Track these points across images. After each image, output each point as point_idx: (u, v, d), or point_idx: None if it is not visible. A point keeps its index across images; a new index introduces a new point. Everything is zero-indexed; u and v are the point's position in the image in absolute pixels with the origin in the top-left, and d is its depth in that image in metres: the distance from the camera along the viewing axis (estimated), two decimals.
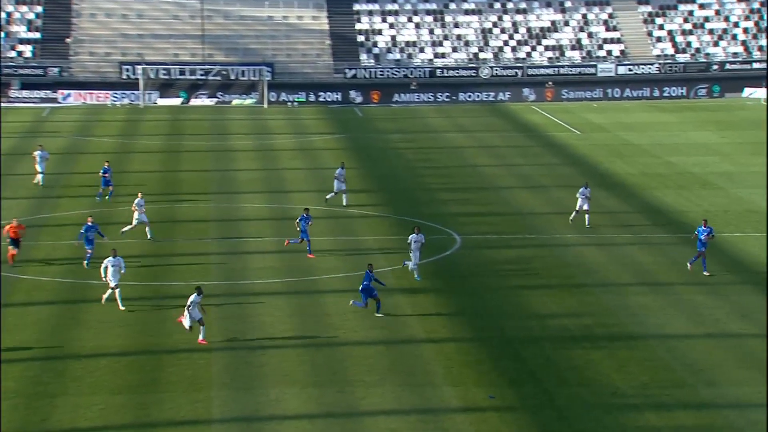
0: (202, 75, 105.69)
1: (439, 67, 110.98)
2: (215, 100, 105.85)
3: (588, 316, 42.55)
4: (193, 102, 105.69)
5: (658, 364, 37.56)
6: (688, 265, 47.53)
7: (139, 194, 53.87)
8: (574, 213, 55.88)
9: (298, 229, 50.02)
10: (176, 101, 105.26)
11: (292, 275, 47.61)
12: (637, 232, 55.65)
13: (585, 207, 55.60)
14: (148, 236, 52.39)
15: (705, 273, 47.30)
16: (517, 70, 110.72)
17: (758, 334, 40.49)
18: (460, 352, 38.50)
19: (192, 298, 38.28)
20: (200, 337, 38.50)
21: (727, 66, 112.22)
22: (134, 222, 52.77)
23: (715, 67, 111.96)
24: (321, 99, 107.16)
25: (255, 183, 68.60)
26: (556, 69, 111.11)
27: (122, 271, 42.46)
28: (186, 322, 38.46)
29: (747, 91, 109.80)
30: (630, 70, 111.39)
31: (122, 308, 41.82)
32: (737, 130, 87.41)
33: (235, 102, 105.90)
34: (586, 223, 55.45)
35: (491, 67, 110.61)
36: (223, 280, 46.76)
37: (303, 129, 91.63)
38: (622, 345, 39.49)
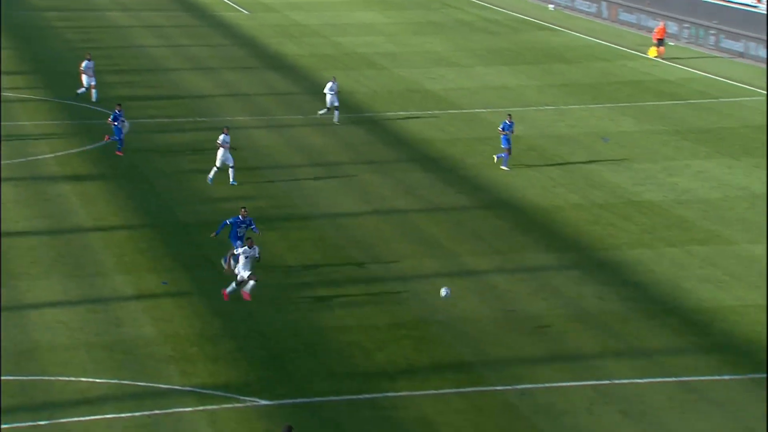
0: None
1: None
2: None
3: (262, 199, 42.83)
4: None
5: (328, 242, 38.39)
6: (495, 158, 47.58)
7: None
8: (325, 110, 54.33)
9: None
10: None
11: None
12: (307, 113, 56.19)
13: (336, 103, 54.07)
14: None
15: (504, 168, 46.69)
16: None
17: (422, 209, 42.03)
18: (131, 240, 38.02)
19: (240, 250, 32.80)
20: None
21: None
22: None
23: None
24: None
25: None
26: None
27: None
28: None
29: None
30: None
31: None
32: (401, 10, 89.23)
33: None
34: (336, 119, 54.14)
35: None
36: None
37: None
38: (295, 226, 40.07)
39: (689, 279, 35.16)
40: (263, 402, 27.24)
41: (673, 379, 28.10)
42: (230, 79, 63.61)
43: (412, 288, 34.36)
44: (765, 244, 38.14)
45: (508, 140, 46.82)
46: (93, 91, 56.01)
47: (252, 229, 34.39)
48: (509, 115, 47.83)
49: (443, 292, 30.61)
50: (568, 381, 28.11)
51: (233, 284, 32.51)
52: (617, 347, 30.25)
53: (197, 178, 44.97)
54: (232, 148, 44.07)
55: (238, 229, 34.25)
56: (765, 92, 61.38)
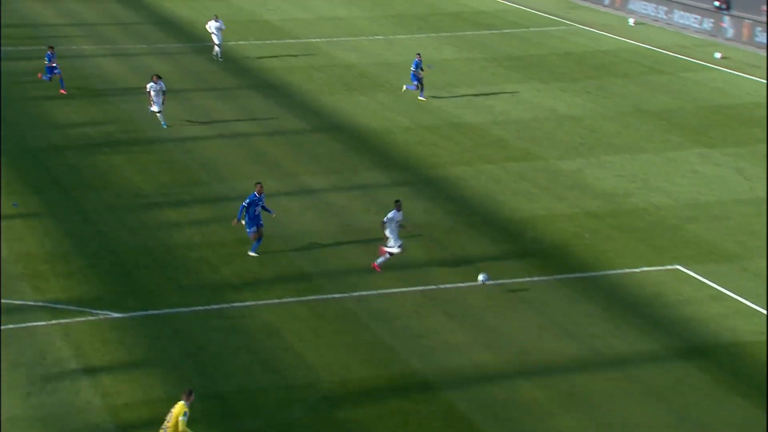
0: None
1: None
2: None
3: (109, 124, 41.65)
4: None
5: (176, 165, 37.56)
6: (404, 87, 46.29)
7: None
8: (216, 49, 52.15)
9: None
10: None
11: None
12: (151, 42, 54.72)
13: (217, 41, 51.54)
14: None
15: (421, 98, 45.52)
16: None
17: (263, 132, 41.47)
18: None
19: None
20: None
21: None
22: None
23: None
24: None
25: None
26: None
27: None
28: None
29: None
30: None
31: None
32: None
33: None
34: (219, 56, 52.04)
35: None
36: None
37: None
38: (143, 149, 39.08)
39: (504, 192, 35.57)
40: (115, 315, 26.58)
41: (496, 282, 28.41)
42: (74, 9, 61.46)
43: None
44: (572, 159, 38.87)
45: (416, 76, 45.34)
46: None
47: (266, 209, 29.85)
48: (418, 54, 46.82)
49: (481, 277, 27.80)
50: (399, 287, 28.21)
51: (385, 256, 28.84)
52: (442, 256, 30.45)
53: (44, 104, 43.41)
54: (163, 92, 41.10)
55: (256, 208, 29.46)
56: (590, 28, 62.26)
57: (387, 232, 28.87)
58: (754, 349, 25.11)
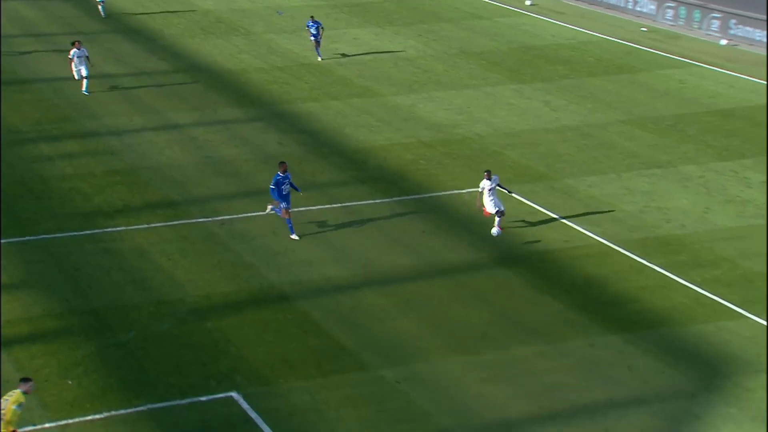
0: None
1: None
2: None
3: None
4: None
5: (47, 103, 36.25)
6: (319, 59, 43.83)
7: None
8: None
9: None
10: None
11: None
12: None
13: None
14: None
15: (319, 58, 42.83)
16: None
17: (128, 73, 40.32)
18: None
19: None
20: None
21: None
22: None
23: None
24: None
25: None
26: None
27: None
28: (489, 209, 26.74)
29: None
30: None
31: None
32: None
33: None
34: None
35: None
36: None
37: None
38: (16, 89, 37.59)
39: (349, 125, 35.53)
40: None
41: (339, 205, 28.48)
42: None
43: (125, 141, 33.05)
44: (406, 95, 39.03)
45: (315, 38, 42.87)
46: None
47: (293, 187, 26.49)
48: (311, 16, 45.27)
49: (495, 231, 25.76)
50: (257, 211, 28.00)
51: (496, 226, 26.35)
52: (295, 182, 30.23)
53: None
54: (87, 57, 37.71)
55: (283, 187, 26.06)
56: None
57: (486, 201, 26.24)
58: (561, 256, 25.87)
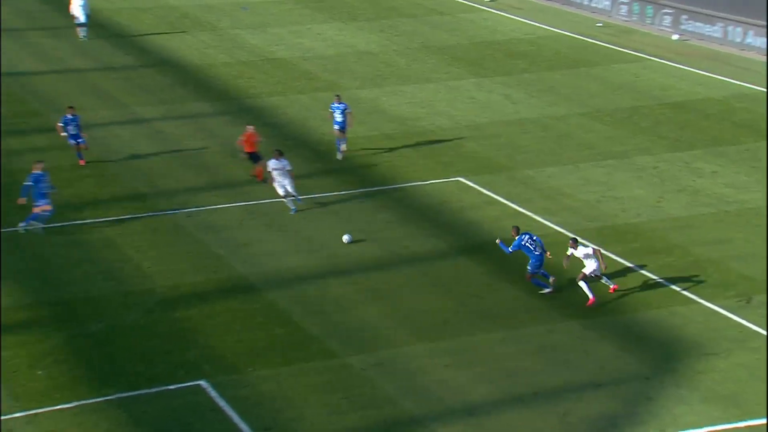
0: None
1: None
2: None
3: None
4: None
5: (13, 98, 35.87)
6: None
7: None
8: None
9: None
10: None
11: None
12: None
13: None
14: None
15: (339, 155, 40.97)
16: None
17: (95, 68, 39.99)
18: None
19: None
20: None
21: None
22: None
23: None
24: None
25: None
26: None
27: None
28: None
29: None
30: None
31: None
32: None
33: None
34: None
35: None
36: None
37: None
38: None
39: (314, 118, 35.43)
40: None
41: (308, 196, 28.35)
42: None
43: (92, 134, 32.69)
44: (370, 89, 38.99)
45: (341, 127, 40.97)
46: None
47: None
48: (337, 95, 44.05)
49: (346, 238, 25.72)
50: (224, 203, 27.87)
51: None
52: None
53: None
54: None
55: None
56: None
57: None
58: None
